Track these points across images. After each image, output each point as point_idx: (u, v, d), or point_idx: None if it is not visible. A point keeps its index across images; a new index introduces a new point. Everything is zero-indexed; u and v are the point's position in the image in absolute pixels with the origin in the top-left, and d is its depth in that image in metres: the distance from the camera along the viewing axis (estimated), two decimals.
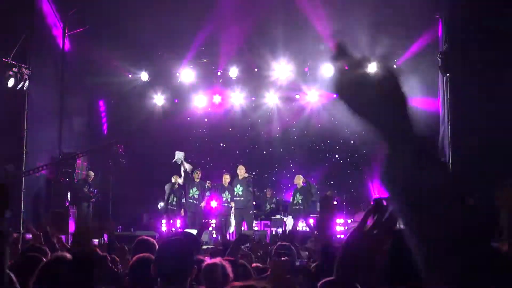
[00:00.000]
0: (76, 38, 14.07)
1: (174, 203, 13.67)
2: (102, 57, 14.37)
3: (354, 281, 1.56)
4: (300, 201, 13.44)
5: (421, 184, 0.97)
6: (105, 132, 16.07)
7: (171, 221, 13.40)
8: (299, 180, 13.67)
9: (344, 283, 1.54)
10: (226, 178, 13.51)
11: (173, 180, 13.71)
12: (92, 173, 13.84)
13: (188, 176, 13.65)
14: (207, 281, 3.62)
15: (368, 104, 1.06)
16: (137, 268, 3.25)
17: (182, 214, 13.91)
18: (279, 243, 5.25)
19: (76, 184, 13.41)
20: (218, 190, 13.55)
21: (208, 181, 13.88)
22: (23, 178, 12.18)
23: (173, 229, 12.88)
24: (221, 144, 16.69)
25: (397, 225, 1.55)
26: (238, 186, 13.23)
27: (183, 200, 13.90)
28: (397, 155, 1.01)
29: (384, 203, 1.52)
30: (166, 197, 13.69)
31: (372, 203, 1.56)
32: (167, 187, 13.74)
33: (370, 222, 1.54)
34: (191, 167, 13.76)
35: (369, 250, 1.52)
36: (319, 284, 1.72)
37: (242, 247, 5.64)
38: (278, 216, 14.25)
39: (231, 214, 13.49)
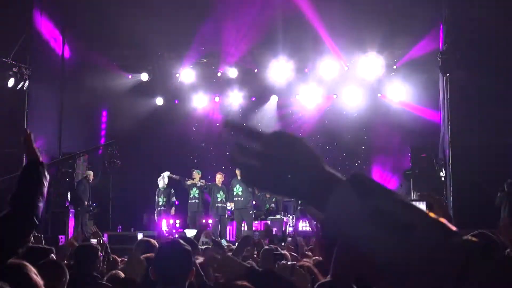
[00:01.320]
0: (76, 38, 14.06)
1: (163, 203, 13.68)
2: (101, 57, 14.38)
3: (350, 281, 1.57)
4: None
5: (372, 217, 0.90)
6: (105, 132, 16.06)
7: (171, 221, 13.39)
8: None
9: (340, 283, 1.55)
10: (220, 178, 13.47)
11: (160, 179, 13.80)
12: (91, 172, 13.83)
13: (185, 181, 13.66)
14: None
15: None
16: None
17: (173, 213, 13.88)
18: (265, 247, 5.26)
19: (77, 190, 13.33)
20: (211, 190, 13.43)
21: (202, 180, 13.78)
22: None
23: (168, 229, 12.83)
24: (221, 144, 16.67)
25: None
26: (238, 186, 13.19)
27: (173, 199, 13.91)
28: (330, 212, 0.94)
29: None
30: (156, 200, 13.80)
31: None
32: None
33: None
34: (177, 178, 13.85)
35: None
36: (315, 286, 1.72)
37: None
38: (278, 216, 14.25)
39: (226, 215, 13.47)
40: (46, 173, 2.49)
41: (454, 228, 0.89)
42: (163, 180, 13.75)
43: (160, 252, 2.87)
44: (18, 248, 2.40)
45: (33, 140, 2.64)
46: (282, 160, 0.98)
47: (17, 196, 2.36)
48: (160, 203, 13.71)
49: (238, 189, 13.16)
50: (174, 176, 13.82)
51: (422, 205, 1.38)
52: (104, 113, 16.10)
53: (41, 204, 2.40)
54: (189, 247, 2.81)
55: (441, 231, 0.88)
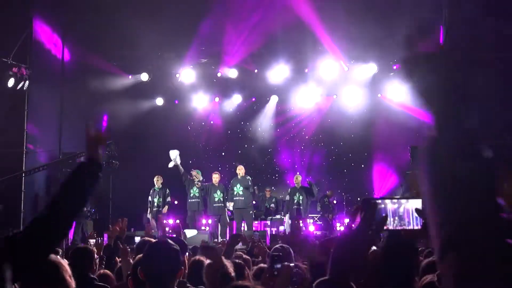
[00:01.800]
0: (75, 39, 14.06)
1: (158, 203, 13.64)
2: (101, 57, 14.39)
3: (348, 280, 1.57)
4: (300, 201, 13.44)
5: (457, 174, 1.02)
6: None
7: (170, 221, 13.37)
8: (298, 180, 13.68)
9: (339, 282, 1.56)
10: (216, 178, 13.40)
11: (155, 180, 13.75)
12: None
13: (188, 177, 13.61)
14: (208, 281, 3.63)
15: (433, 87, 1.11)
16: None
17: (165, 211, 13.85)
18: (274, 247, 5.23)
19: None
20: (209, 190, 13.38)
21: (198, 182, 13.70)
22: (23, 178, 12.19)
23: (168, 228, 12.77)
24: (222, 144, 16.69)
25: (386, 225, 1.57)
26: (238, 185, 13.16)
27: (169, 199, 13.89)
28: (443, 140, 1.06)
29: (372, 202, 1.55)
30: (150, 200, 13.76)
31: (361, 202, 1.57)
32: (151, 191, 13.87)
33: (358, 220, 1.56)
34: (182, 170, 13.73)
35: (360, 248, 1.53)
36: (314, 285, 1.73)
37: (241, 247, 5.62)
38: (278, 216, 14.26)
39: (225, 214, 13.44)
40: (100, 176, 2.31)
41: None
42: (174, 160, 13.51)
43: (148, 251, 2.85)
44: (55, 248, 2.35)
45: (104, 139, 2.44)
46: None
47: (64, 196, 2.17)
48: (156, 203, 13.65)
49: (238, 189, 13.13)
50: (180, 166, 13.64)
51: (417, 203, 1.43)
52: (104, 113, 16.07)
53: (84, 208, 2.30)
54: (177, 247, 2.81)
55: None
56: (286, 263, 3.23)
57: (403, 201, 1.57)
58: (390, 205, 1.57)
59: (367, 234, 1.52)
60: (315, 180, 14.31)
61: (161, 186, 13.74)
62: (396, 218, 1.56)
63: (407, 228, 1.57)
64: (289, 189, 13.93)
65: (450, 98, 1.09)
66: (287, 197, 13.98)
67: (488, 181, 1.03)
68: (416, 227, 1.56)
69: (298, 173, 14.39)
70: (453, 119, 1.08)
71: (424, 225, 1.55)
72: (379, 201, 1.58)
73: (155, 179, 13.78)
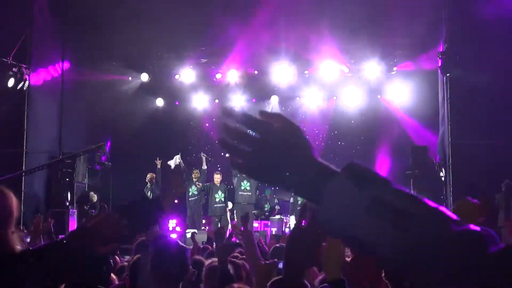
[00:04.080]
0: (76, 39, 14.06)
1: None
2: (101, 57, 14.39)
3: (302, 278, 1.57)
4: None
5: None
6: (105, 133, 16.04)
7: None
8: None
9: (292, 281, 1.55)
10: (218, 178, 13.43)
11: (148, 177, 13.75)
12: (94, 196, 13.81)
13: (188, 176, 13.63)
14: (207, 281, 3.62)
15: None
16: (138, 267, 3.25)
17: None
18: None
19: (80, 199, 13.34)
20: (210, 190, 13.39)
21: (198, 183, 13.70)
22: (23, 178, 12.19)
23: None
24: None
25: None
26: (245, 181, 13.15)
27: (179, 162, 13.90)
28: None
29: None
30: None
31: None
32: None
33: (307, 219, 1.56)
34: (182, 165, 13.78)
35: (312, 245, 1.52)
36: (268, 284, 1.72)
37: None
38: (278, 216, 14.26)
39: (226, 214, 13.44)
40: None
41: (454, 216, 0.87)
42: (174, 162, 13.63)
43: (156, 252, 2.83)
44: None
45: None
46: (276, 147, 0.95)
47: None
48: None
49: (246, 184, 13.13)
50: (182, 163, 13.70)
51: None
52: (104, 114, 16.05)
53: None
54: (186, 247, 2.80)
55: (442, 220, 0.86)
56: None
57: None
58: None
59: (317, 231, 1.51)
60: None
61: (152, 182, 13.73)
62: None
63: None
64: None
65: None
66: (291, 199, 14.04)
67: None
68: None
69: None
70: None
71: None
72: None
73: (147, 177, 13.78)
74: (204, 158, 13.84)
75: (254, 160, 0.97)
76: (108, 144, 14.55)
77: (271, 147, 0.96)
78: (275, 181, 0.98)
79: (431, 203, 0.88)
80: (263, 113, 1.02)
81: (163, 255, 2.78)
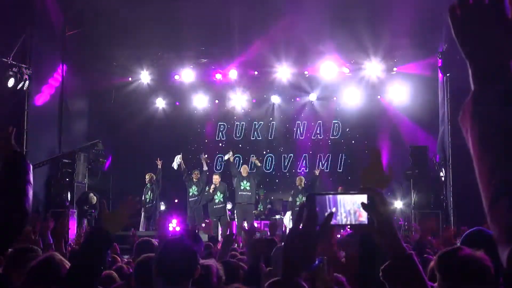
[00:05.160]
0: (76, 39, 14.06)
1: (151, 198, 13.62)
2: (101, 57, 14.39)
3: (299, 278, 1.57)
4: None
5: (507, 122, 0.99)
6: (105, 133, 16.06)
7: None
8: (301, 182, 13.75)
9: (290, 282, 1.55)
10: (216, 179, 13.42)
11: (147, 178, 13.74)
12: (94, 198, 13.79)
13: (189, 175, 13.65)
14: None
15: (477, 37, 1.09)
16: (143, 268, 3.22)
17: (161, 208, 13.81)
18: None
19: (81, 199, 13.34)
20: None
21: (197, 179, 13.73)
22: None
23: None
24: (221, 145, 16.67)
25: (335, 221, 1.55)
26: (245, 181, 13.15)
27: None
28: (485, 92, 1.03)
29: (311, 196, 1.54)
30: (143, 196, 13.74)
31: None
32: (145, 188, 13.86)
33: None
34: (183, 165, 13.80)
35: (309, 246, 1.53)
36: (266, 285, 1.73)
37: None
38: (277, 216, 14.28)
39: (226, 214, 13.44)
40: (28, 163, 2.53)
41: None
42: (175, 162, 13.67)
43: (164, 250, 2.79)
44: (12, 240, 2.45)
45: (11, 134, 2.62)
46: None
47: (4, 186, 2.39)
48: (148, 200, 13.62)
49: (246, 184, 13.14)
50: (183, 163, 13.72)
51: (363, 198, 1.39)
52: (104, 114, 16.07)
53: (30, 192, 2.43)
54: (192, 245, 2.77)
55: None
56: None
57: (348, 196, 1.55)
58: (340, 200, 1.54)
59: (314, 230, 1.51)
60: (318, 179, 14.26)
61: (152, 182, 13.73)
62: (351, 213, 1.54)
63: (354, 223, 1.56)
64: (292, 191, 14.04)
65: (496, 55, 1.07)
66: (290, 198, 14.08)
67: None
68: (362, 222, 1.54)
69: (301, 174, 14.49)
70: (500, 69, 1.05)
71: (370, 220, 1.54)
72: (322, 196, 1.55)
73: (146, 177, 13.79)
74: (204, 160, 13.83)
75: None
76: (109, 160, 14.62)
77: None
78: None
79: None
80: None
81: (169, 253, 2.74)
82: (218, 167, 16.05)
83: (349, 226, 1.70)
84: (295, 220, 1.57)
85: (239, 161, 15.55)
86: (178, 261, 2.69)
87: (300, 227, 1.52)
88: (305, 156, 16.28)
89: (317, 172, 14.30)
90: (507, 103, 1.00)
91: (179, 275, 2.67)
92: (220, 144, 16.63)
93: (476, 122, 1.03)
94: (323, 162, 16.08)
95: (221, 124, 16.74)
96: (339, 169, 16.06)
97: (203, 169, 13.84)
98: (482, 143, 1.02)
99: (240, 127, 16.69)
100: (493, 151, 1.00)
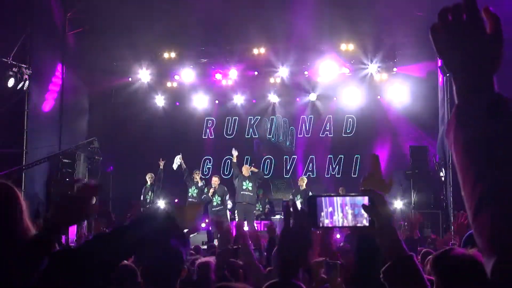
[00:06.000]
0: (76, 39, 14.06)
1: (151, 198, 13.64)
2: (101, 57, 14.39)
3: (295, 279, 1.57)
4: (302, 203, 13.45)
5: (490, 134, 1.01)
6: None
7: None
8: (303, 182, 13.74)
9: (287, 284, 1.55)
10: (215, 181, 13.39)
11: (148, 177, 13.74)
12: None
13: (190, 176, 13.64)
14: (200, 278, 3.61)
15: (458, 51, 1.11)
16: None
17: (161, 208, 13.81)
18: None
19: None
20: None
21: (199, 179, 13.71)
22: (23, 176, 12.20)
23: None
24: (221, 145, 16.66)
25: (304, 220, 1.55)
26: (247, 181, 13.13)
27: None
28: (468, 105, 1.06)
29: (310, 198, 1.55)
30: (143, 197, 13.74)
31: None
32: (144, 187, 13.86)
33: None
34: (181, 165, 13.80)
35: (300, 245, 1.53)
36: (263, 287, 1.73)
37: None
38: (277, 216, 14.27)
39: (226, 215, 13.41)
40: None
41: None
42: (175, 163, 13.67)
43: (150, 252, 2.76)
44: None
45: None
46: None
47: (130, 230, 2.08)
48: (148, 200, 13.63)
49: (247, 184, 13.11)
50: (183, 163, 13.71)
51: (364, 199, 1.40)
52: (104, 114, 16.08)
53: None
54: (180, 247, 2.74)
55: None
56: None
57: (349, 198, 1.55)
58: (339, 202, 1.54)
59: (306, 231, 1.52)
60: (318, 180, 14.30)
61: (153, 182, 13.74)
62: (349, 214, 1.54)
63: (352, 225, 1.56)
64: (293, 190, 14.05)
65: (478, 67, 1.10)
66: (290, 196, 14.10)
67: None
68: (364, 225, 1.55)
69: (304, 175, 14.55)
70: (483, 83, 1.09)
71: (371, 222, 1.54)
72: (324, 197, 1.55)
73: (147, 177, 13.79)
74: (180, 160, 13.73)
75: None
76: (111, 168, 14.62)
77: None
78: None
79: None
80: None
81: (155, 254, 2.71)
82: (226, 171, 16.00)
83: (348, 228, 1.70)
84: (284, 221, 1.57)
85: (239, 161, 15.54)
86: (164, 263, 2.66)
87: (291, 226, 1.52)
88: (311, 158, 16.22)
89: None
90: (490, 116, 1.02)
91: (163, 276, 2.65)
92: (220, 144, 16.61)
93: (459, 134, 1.06)
94: (322, 163, 16.09)
95: (221, 124, 16.74)
96: (339, 169, 16.06)
97: (183, 168, 13.71)
98: (465, 155, 1.04)
99: (240, 127, 16.68)
100: (476, 163, 1.02)
